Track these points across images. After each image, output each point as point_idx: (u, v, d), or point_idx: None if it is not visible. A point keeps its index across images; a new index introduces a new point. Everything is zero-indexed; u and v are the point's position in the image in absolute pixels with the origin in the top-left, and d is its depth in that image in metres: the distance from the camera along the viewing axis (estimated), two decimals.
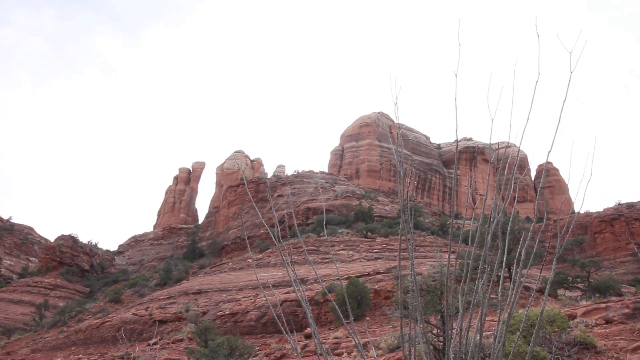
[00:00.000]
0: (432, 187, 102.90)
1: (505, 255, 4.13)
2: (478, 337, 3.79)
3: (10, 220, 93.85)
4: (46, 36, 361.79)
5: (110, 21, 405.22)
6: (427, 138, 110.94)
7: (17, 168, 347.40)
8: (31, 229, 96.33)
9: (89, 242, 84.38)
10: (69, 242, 77.69)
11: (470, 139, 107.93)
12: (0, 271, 75.87)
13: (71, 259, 75.57)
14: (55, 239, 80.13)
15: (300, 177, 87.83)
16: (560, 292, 26.81)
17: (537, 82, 3.76)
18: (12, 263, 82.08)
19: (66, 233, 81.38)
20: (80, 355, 33.26)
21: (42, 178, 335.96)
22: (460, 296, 4.20)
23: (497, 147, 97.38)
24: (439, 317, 12.35)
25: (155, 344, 29.53)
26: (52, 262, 73.60)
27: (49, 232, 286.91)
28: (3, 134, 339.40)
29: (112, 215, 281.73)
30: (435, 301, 12.47)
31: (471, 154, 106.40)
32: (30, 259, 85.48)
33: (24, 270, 78.33)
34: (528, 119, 3.78)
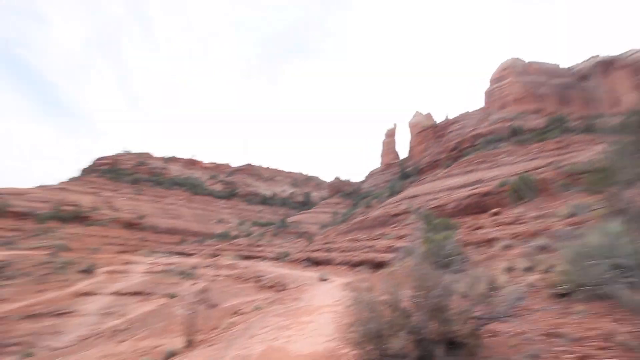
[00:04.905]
0: (571, 102, 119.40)
1: None
2: None
3: None
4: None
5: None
6: (557, 66, 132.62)
7: None
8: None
9: (348, 180, 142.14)
10: (339, 182, 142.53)
11: (597, 56, 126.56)
12: (311, 199, 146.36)
13: (344, 189, 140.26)
14: (332, 180, 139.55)
15: (462, 117, 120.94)
16: None
17: None
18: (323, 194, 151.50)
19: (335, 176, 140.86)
20: (358, 235, 47.44)
21: None
22: None
23: (632, 53, 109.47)
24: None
25: (395, 226, 41.90)
26: (336, 192, 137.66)
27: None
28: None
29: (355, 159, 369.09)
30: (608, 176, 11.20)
31: (605, 66, 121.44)
32: (321, 192, 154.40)
33: (319, 200, 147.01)
34: None
